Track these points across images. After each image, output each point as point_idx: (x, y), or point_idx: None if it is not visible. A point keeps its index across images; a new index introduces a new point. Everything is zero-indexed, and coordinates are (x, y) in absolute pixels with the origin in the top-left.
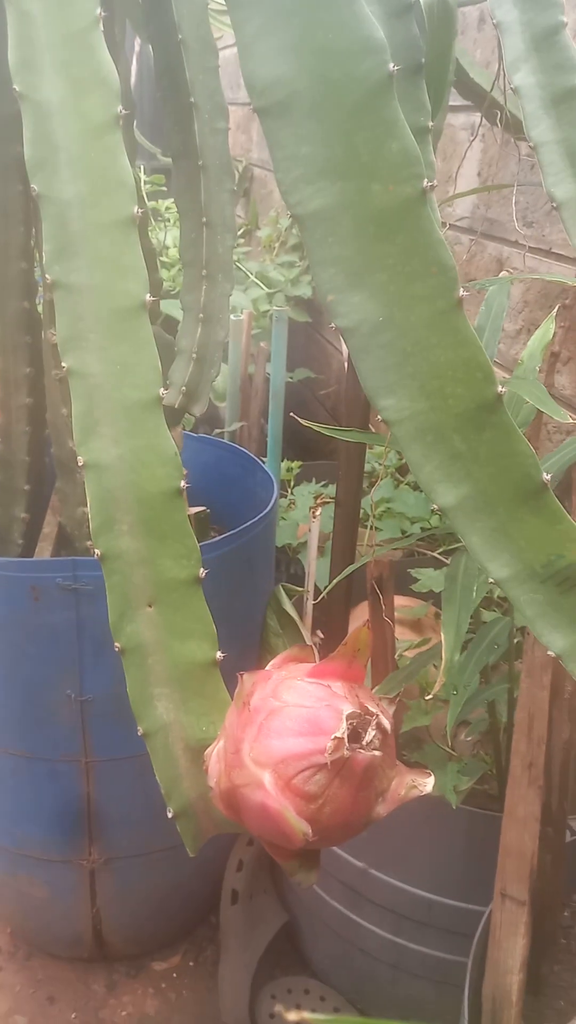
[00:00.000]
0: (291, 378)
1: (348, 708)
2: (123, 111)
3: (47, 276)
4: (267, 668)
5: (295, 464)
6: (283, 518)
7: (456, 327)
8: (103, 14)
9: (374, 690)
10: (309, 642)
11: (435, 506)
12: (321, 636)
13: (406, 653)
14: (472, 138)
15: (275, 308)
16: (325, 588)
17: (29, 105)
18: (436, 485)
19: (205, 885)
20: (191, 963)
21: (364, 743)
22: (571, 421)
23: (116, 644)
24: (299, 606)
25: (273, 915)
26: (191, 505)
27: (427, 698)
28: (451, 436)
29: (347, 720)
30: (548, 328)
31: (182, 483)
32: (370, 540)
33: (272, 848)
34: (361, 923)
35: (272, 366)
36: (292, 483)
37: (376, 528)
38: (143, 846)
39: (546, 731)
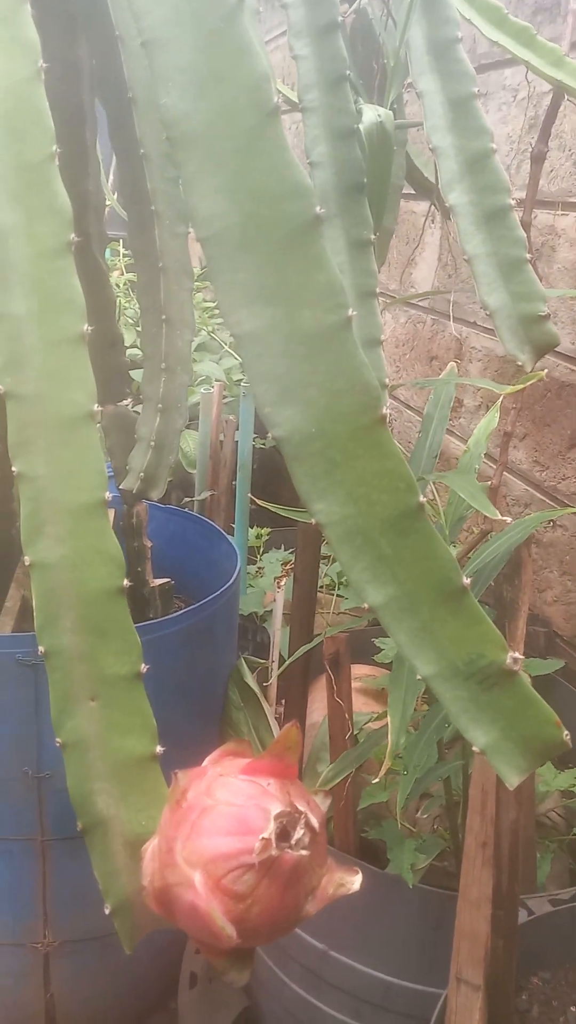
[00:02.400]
0: (263, 444)
1: (276, 807)
2: (75, 238)
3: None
4: (204, 763)
5: (264, 531)
6: (251, 586)
7: (379, 441)
8: (58, 149)
9: (329, 768)
10: (271, 715)
11: (365, 605)
12: (283, 707)
13: (371, 724)
14: (428, 226)
15: (244, 382)
16: (285, 661)
17: None
18: (365, 585)
19: (163, 969)
20: None
21: (292, 842)
22: (500, 517)
23: (57, 739)
24: (264, 676)
25: (233, 999)
26: (156, 576)
27: (374, 780)
28: (378, 540)
29: (275, 820)
30: (493, 417)
31: (124, 581)
32: (335, 608)
33: (204, 947)
34: (321, 1007)
35: (240, 439)
36: (261, 550)
37: (341, 596)
38: (100, 928)
39: (495, 811)
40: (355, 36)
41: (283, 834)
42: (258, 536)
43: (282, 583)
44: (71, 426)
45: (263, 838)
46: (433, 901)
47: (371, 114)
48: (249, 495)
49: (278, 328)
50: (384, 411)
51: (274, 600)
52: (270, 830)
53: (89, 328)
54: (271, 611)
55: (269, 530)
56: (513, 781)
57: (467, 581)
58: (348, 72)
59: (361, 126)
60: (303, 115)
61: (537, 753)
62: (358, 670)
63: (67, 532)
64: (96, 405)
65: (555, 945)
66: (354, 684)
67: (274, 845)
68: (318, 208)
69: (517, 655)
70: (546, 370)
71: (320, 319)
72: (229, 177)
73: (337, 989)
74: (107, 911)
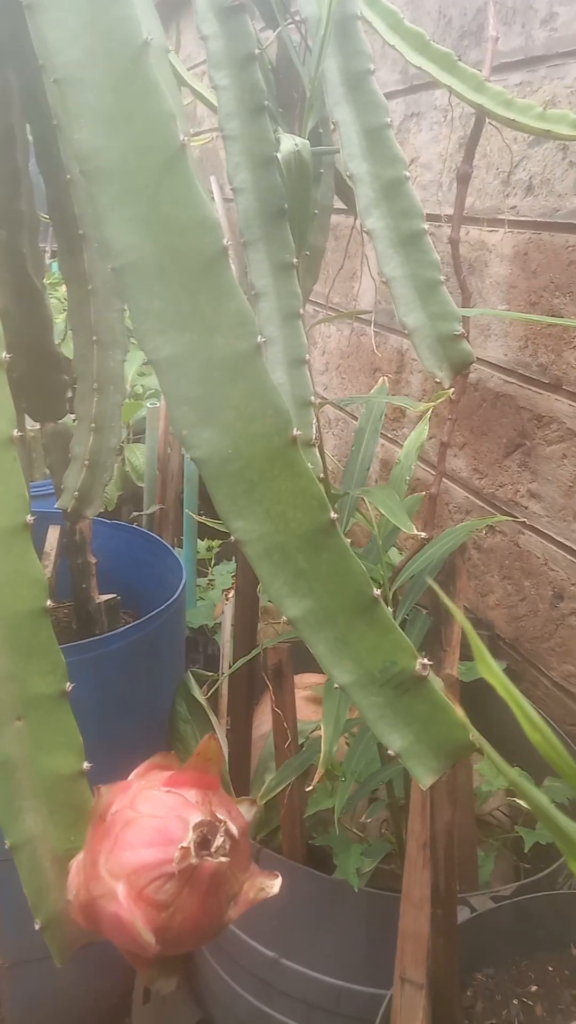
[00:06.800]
0: None
1: (196, 817)
2: (7, 356)
3: None
4: (129, 777)
5: (215, 543)
6: (201, 598)
7: (292, 461)
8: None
9: (272, 778)
10: (219, 727)
11: (284, 618)
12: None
13: (316, 732)
14: (366, 240)
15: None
16: (226, 673)
17: None
18: (284, 599)
19: (116, 985)
20: None
21: (212, 850)
22: (415, 532)
23: None
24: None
25: (187, 1013)
26: (103, 591)
27: (308, 788)
28: (295, 555)
29: (194, 829)
30: (422, 431)
31: (47, 603)
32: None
33: (131, 956)
34: (273, 1015)
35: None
36: (212, 562)
37: None
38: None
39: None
40: (278, 64)
41: (203, 843)
42: (209, 548)
43: (231, 595)
44: None
45: (182, 847)
46: (380, 904)
47: (288, 143)
48: (195, 509)
49: (193, 354)
50: (295, 432)
51: (223, 612)
52: (189, 839)
53: (7, 356)
54: (221, 623)
55: (220, 542)
56: (426, 782)
57: (378, 592)
58: (267, 102)
59: (279, 155)
60: (224, 143)
61: (448, 755)
62: (307, 679)
63: None
64: (15, 431)
65: (498, 941)
66: (302, 692)
67: (193, 854)
68: (225, 240)
69: (425, 661)
70: (452, 389)
71: (232, 345)
72: (141, 210)
73: (289, 996)
74: (36, 927)
